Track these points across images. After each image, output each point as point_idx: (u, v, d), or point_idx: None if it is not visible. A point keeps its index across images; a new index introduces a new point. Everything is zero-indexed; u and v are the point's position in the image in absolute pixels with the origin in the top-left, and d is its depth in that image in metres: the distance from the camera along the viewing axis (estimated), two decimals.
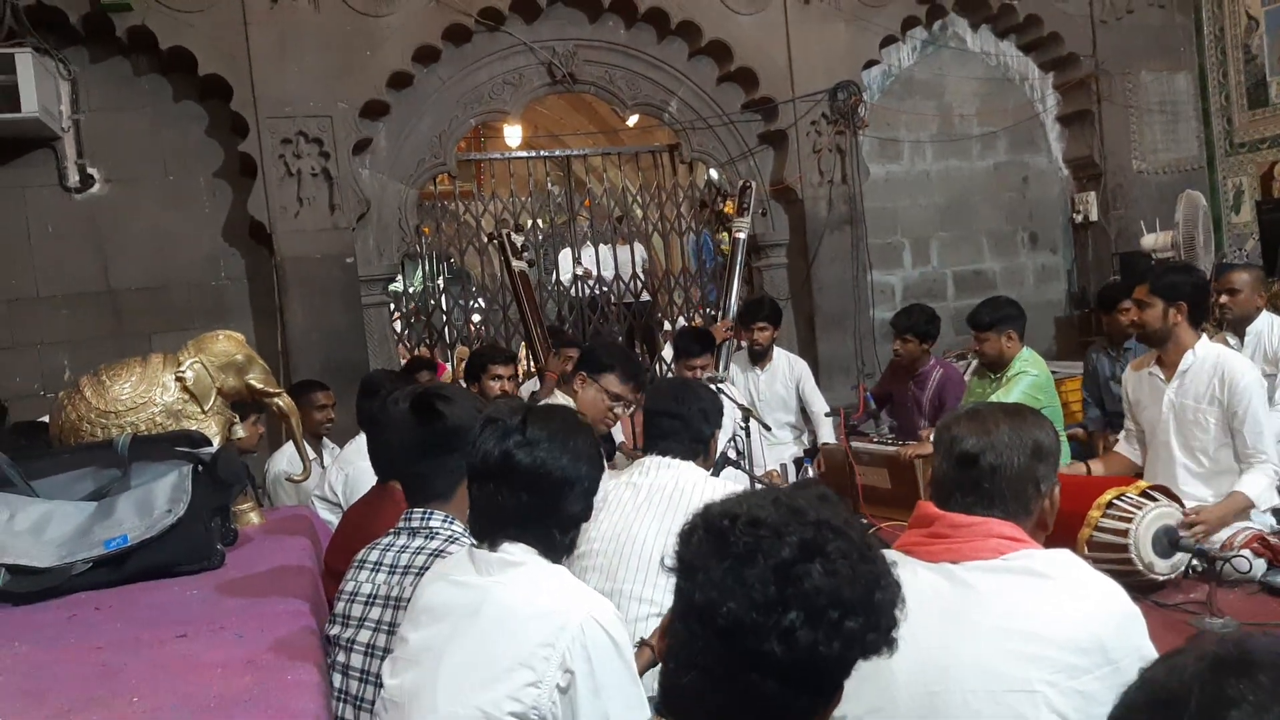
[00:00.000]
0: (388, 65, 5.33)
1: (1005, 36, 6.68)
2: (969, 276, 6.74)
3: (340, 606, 1.94)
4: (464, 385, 4.36)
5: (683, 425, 2.59)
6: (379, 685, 1.74)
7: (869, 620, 1.02)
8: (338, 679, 1.87)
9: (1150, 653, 1.48)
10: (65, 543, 2.05)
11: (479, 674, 1.53)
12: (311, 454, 3.29)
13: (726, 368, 5.01)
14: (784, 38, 5.95)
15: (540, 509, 1.64)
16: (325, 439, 4.41)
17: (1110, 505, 2.44)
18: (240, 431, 2.61)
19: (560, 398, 3.17)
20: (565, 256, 6.75)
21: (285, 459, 4.11)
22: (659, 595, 2.30)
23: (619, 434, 4.69)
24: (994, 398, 3.79)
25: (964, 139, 6.65)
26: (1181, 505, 2.54)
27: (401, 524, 1.96)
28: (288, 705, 1.48)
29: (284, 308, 5.22)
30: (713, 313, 6.13)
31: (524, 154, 6.58)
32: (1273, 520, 2.77)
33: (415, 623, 1.68)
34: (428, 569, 1.81)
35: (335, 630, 1.92)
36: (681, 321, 6.33)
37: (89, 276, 5.16)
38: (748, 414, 3.87)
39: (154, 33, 4.98)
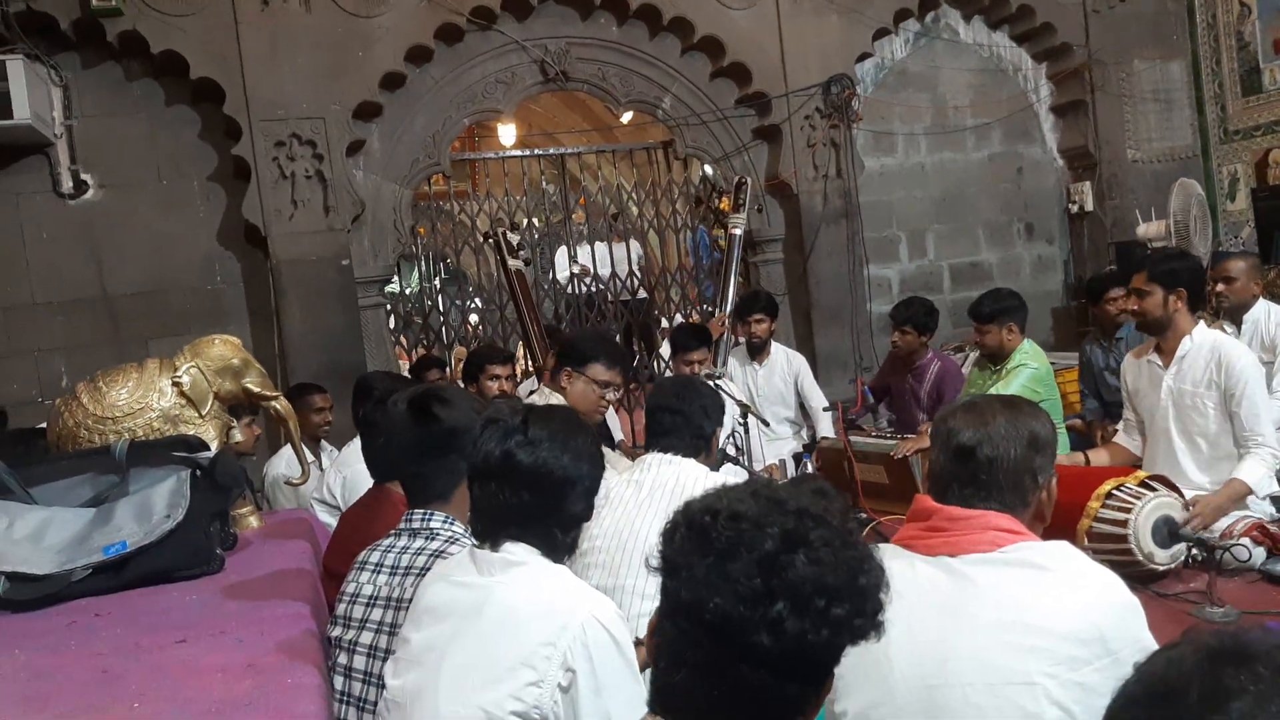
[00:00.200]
0: (380, 66, 5.32)
1: (998, 27, 6.67)
2: (965, 268, 6.75)
3: (341, 608, 1.94)
4: (462, 385, 4.36)
5: (684, 422, 2.60)
6: (381, 686, 1.74)
7: (855, 605, 1.03)
8: (339, 681, 1.87)
9: (1150, 644, 1.48)
10: (64, 549, 2.05)
11: (481, 674, 1.54)
12: (310, 457, 3.29)
13: (724, 363, 5.01)
14: (776, 32, 5.94)
15: (542, 509, 1.64)
16: (323, 441, 4.41)
17: (1109, 496, 2.44)
18: (238, 435, 2.61)
19: (549, 395, 3.17)
20: (561, 255, 6.75)
21: (283, 462, 4.11)
22: None
23: (618, 431, 4.69)
24: (993, 390, 3.79)
25: (958, 131, 6.64)
26: (1181, 494, 2.54)
27: (402, 525, 1.96)
28: (289, 709, 1.48)
29: (280, 311, 5.22)
30: (710, 309, 6.13)
31: (518, 153, 6.58)
32: (1272, 508, 2.77)
33: (417, 623, 1.68)
34: (429, 570, 1.81)
35: (336, 632, 1.92)
36: (679, 318, 6.33)
37: (84, 282, 5.16)
38: (746, 410, 3.87)
39: (145, 37, 4.97)
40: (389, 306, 5.88)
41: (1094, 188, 6.71)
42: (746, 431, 3.88)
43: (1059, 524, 1.76)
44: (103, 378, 2.45)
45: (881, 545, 1.55)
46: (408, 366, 6.17)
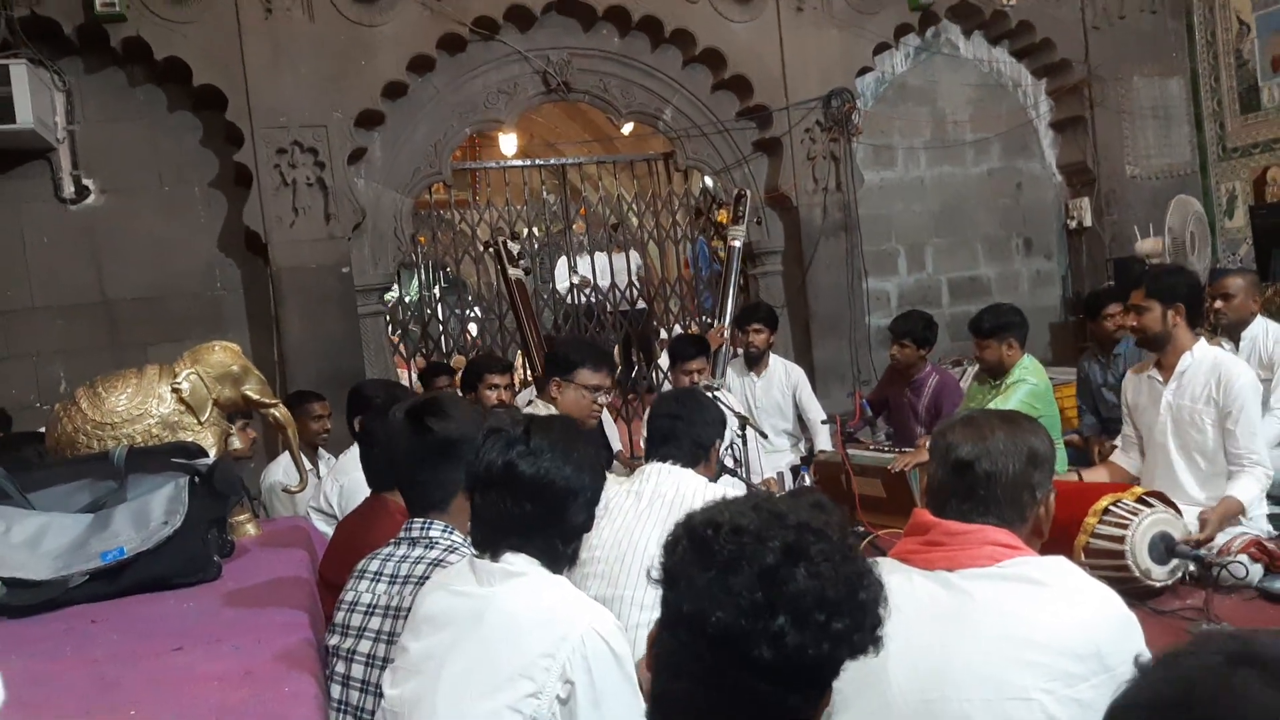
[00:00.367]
0: (382, 75, 5.34)
1: (998, 43, 6.70)
2: (964, 282, 6.76)
3: (340, 616, 1.94)
4: (459, 394, 4.36)
5: (684, 429, 2.62)
6: (379, 695, 1.74)
7: (855, 620, 1.03)
8: (337, 689, 1.87)
9: (1147, 659, 1.48)
10: (61, 555, 2.04)
11: (479, 684, 1.54)
12: (308, 464, 3.29)
13: (723, 374, 5.01)
14: (777, 45, 5.97)
15: (543, 519, 1.64)
16: (321, 449, 4.40)
17: (1106, 512, 2.44)
18: (236, 442, 2.61)
19: (541, 407, 3.17)
20: (562, 265, 6.76)
21: (281, 469, 4.10)
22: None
23: (616, 442, 4.69)
24: (992, 405, 3.79)
25: (958, 145, 6.67)
26: (1178, 510, 2.54)
27: (402, 534, 1.97)
28: (285, 717, 1.48)
29: (280, 318, 5.22)
30: (709, 320, 6.14)
31: (519, 163, 6.60)
32: (1269, 525, 2.77)
33: (416, 632, 1.68)
34: (427, 578, 1.82)
35: (334, 640, 1.92)
36: (678, 329, 6.34)
37: (84, 287, 5.16)
38: (744, 422, 3.87)
39: (148, 43, 4.99)
40: (388, 315, 5.88)
41: (1092, 203, 6.73)
42: (744, 443, 3.88)
43: (1056, 540, 1.76)
44: (102, 383, 2.45)
45: (879, 559, 1.55)
46: (412, 374, 6.19)
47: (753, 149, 6.11)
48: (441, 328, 6.19)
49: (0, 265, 5.06)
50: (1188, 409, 2.95)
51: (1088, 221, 6.74)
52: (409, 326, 6.37)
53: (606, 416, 4.92)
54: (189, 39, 5.03)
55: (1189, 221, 5.99)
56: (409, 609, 1.79)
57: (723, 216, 6.13)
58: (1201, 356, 2.95)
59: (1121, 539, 2.39)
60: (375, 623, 1.87)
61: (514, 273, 5.22)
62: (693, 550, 1.06)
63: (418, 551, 1.91)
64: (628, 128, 6.32)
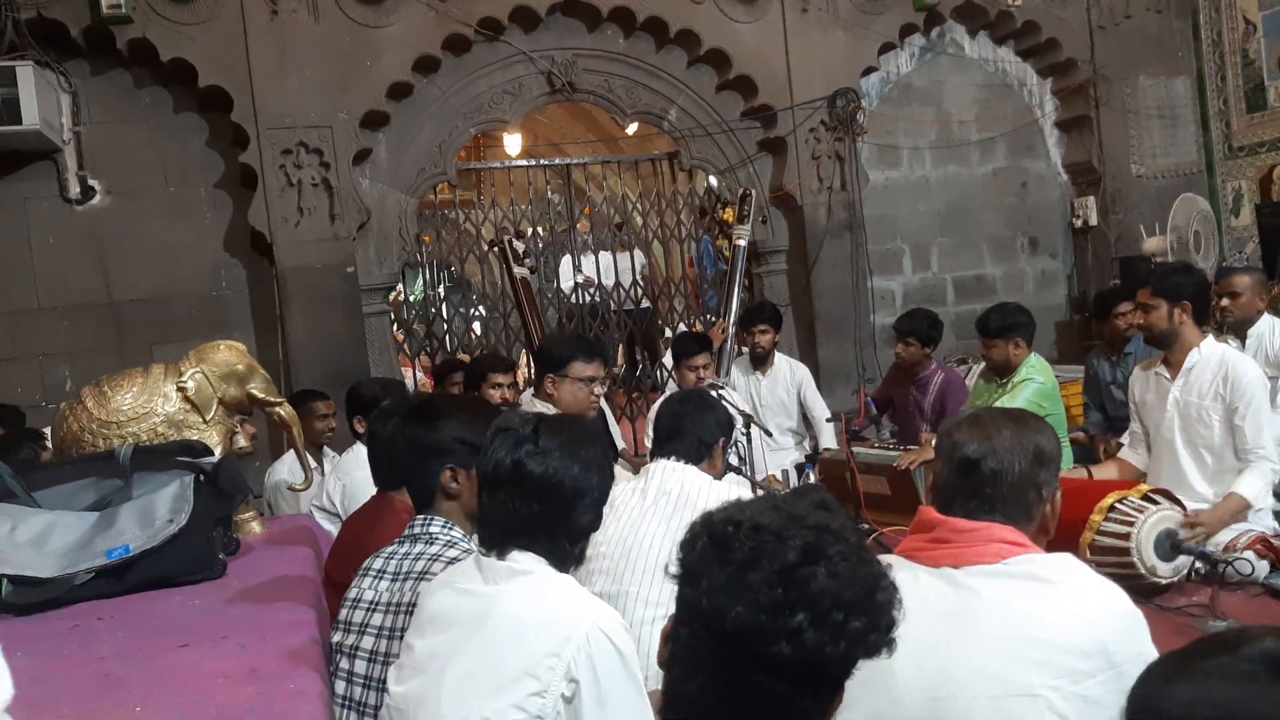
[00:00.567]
0: (387, 76, 5.34)
1: (1003, 43, 6.69)
2: (969, 282, 6.75)
3: (344, 614, 1.95)
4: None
5: (689, 427, 2.62)
6: (381, 690, 1.74)
7: (871, 620, 1.04)
8: (341, 686, 1.88)
9: (1153, 656, 1.47)
10: (67, 553, 2.05)
11: (484, 682, 1.53)
12: (312, 463, 3.29)
13: (727, 373, 5.01)
14: (782, 46, 5.97)
15: (551, 519, 1.63)
16: (326, 448, 4.41)
17: (1111, 509, 2.44)
18: (241, 441, 2.61)
19: (540, 406, 3.17)
20: (566, 264, 6.76)
21: (286, 468, 4.11)
22: (665, 598, 2.31)
23: (620, 440, 4.70)
24: (999, 404, 3.79)
25: (963, 145, 6.66)
26: (1183, 508, 2.54)
27: (406, 532, 1.98)
28: (290, 714, 1.48)
29: (285, 318, 5.23)
30: (713, 319, 6.14)
31: (524, 163, 6.61)
32: (1275, 523, 2.76)
33: (421, 630, 1.68)
34: (427, 573, 1.82)
35: (338, 637, 1.93)
36: (682, 328, 6.34)
37: (90, 288, 5.17)
38: (749, 420, 3.87)
39: (154, 45, 5.00)
40: (393, 314, 5.89)
41: (1098, 203, 6.71)
42: (749, 442, 3.88)
43: (1061, 537, 1.76)
44: (108, 382, 2.46)
45: (885, 556, 1.55)
46: (417, 373, 6.19)
47: (757, 149, 6.11)
48: (446, 327, 6.20)
49: (6, 266, 5.07)
50: (1195, 405, 2.94)
51: (1093, 221, 6.72)
52: (414, 326, 6.38)
53: (610, 415, 4.93)
54: (195, 41, 5.04)
55: (1193, 220, 5.98)
56: (410, 603, 1.79)
57: (728, 215, 6.13)
58: (1209, 353, 2.95)
59: (1127, 536, 2.39)
60: (377, 619, 1.88)
61: (519, 271, 5.22)
62: (713, 547, 1.07)
63: (418, 548, 1.92)
64: (632, 128, 6.32)
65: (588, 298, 6.45)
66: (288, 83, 5.17)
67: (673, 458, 2.58)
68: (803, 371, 5.10)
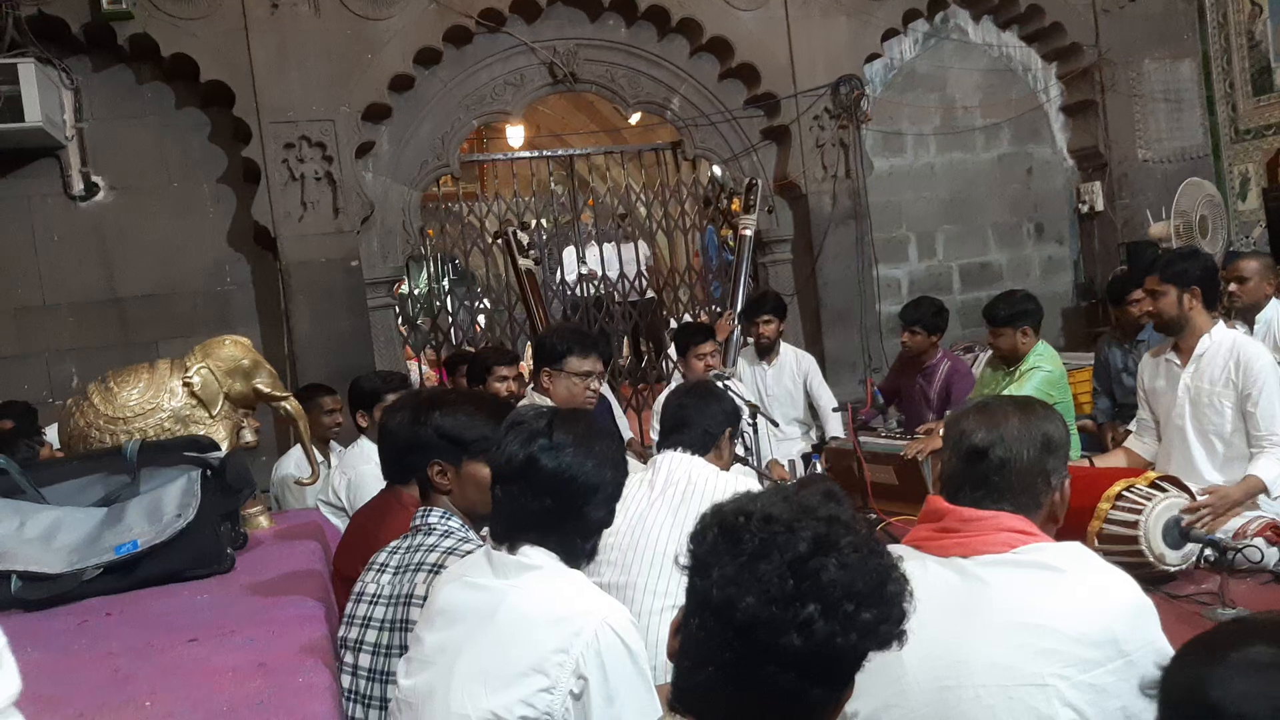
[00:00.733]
0: (389, 68, 5.33)
1: (1007, 27, 6.65)
2: (975, 269, 6.73)
3: (350, 608, 1.96)
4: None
5: (695, 418, 2.62)
6: (386, 684, 1.75)
7: (882, 611, 1.04)
8: (347, 679, 1.88)
9: (1163, 645, 1.47)
10: (76, 549, 2.06)
11: (492, 678, 1.53)
12: (319, 458, 3.30)
13: (734, 363, 5.01)
14: (785, 33, 5.94)
15: (563, 514, 1.63)
16: (333, 443, 4.41)
17: (1119, 497, 2.43)
18: (248, 436, 2.61)
19: (536, 400, 3.17)
20: (570, 256, 6.75)
21: (293, 462, 4.11)
22: (673, 588, 2.31)
23: (627, 431, 4.70)
24: (1007, 392, 3.78)
25: (967, 131, 6.63)
26: (1191, 494, 2.53)
27: (411, 525, 1.99)
28: (299, 708, 1.49)
29: (290, 312, 5.23)
30: (718, 309, 6.13)
31: (527, 154, 6.58)
32: None
33: (431, 623, 1.68)
34: (426, 564, 1.83)
35: (344, 631, 1.94)
36: (687, 318, 6.33)
37: (95, 285, 5.18)
38: (755, 410, 3.87)
39: (156, 41, 4.99)
40: (398, 308, 5.89)
41: (1104, 188, 6.68)
42: (755, 432, 3.87)
43: (1070, 526, 1.75)
44: (114, 378, 2.46)
45: (893, 546, 1.54)
46: (422, 367, 6.19)
47: (761, 137, 6.09)
48: (451, 320, 6.20)
49: (11, 263, 5.08)
50: (1206, 391, 2.92)
51: (1099, 206, 6.69)
52: (418, 320, 6.38)
53: (617, 405, 4.93)
54: (196, 36, 5.03)
55: (1199, 205, 5.94)
56: (409, 595, 1.80)
57: (734, 205, 6.11)
58: (1220, 339, 2.93)
59: (1135, 524, 2.38)
60: (379, 612, 1.89)
61: (524, 263, 5.22)
62: (723, 538, 1.07)
63: (419, 539, 1.93)
64: (635, 118, 6.30)
65: (592, 290, 6.44)
66: (289, 77, 5.16)
67: (679, 449, 2.58)
68: (809, 361, 5.09)
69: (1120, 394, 4.71)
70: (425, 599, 1.80)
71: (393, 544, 1.97)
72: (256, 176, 5.17)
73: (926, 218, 6.60)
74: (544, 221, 6.49)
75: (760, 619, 1.01)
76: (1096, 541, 2.37)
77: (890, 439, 3.78)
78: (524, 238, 5.26)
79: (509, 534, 1.64)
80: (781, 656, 1.01)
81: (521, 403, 3.13)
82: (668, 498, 2.46)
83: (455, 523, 1.94)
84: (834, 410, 4.84)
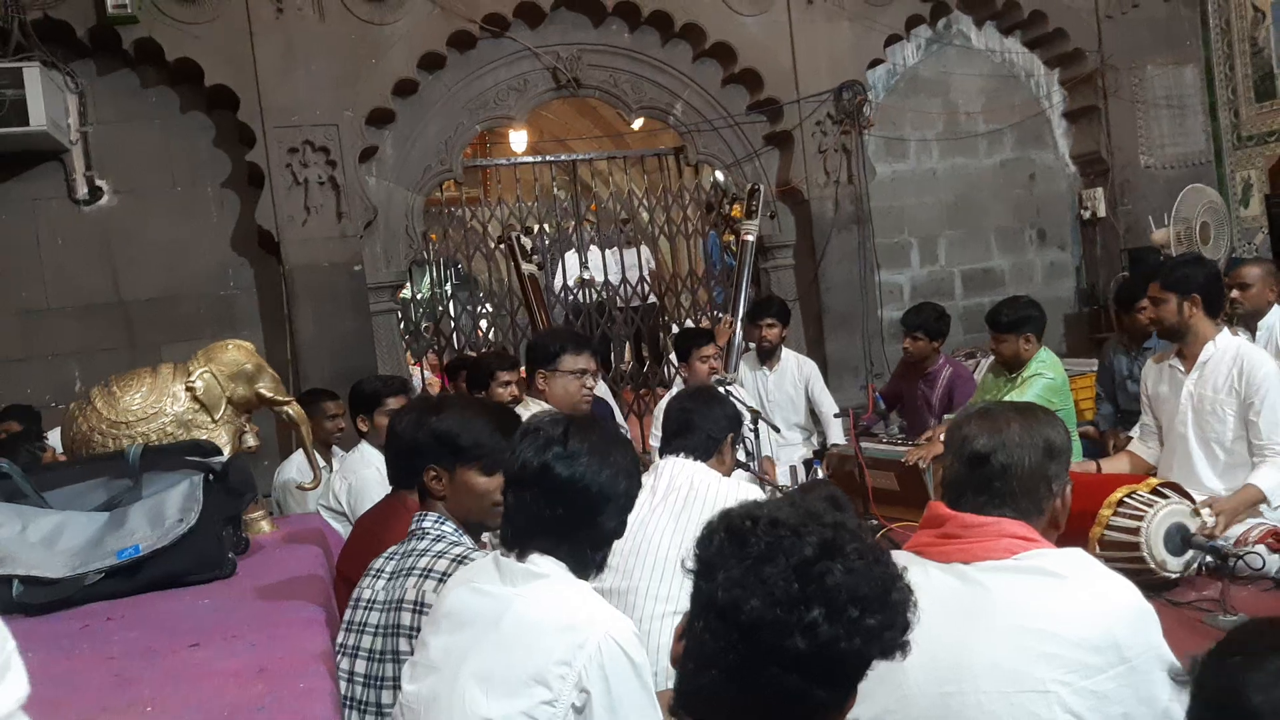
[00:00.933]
0: (393, 73, 5.34)
1: (1010, 33, 6.65)
2: (977, 274, 6.72)
3: (348, 614, 1.96)
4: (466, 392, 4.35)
5: (698, 423, 2.62)
6: (382, 689, 1.75)
7: (886, 618, 1.05)
8: (344, 685, 1.88)
9: (1165, 651, 1.47)
10: (78, 553, 2.06)
11: (494, 685, 1.53)
12: (321, 463, 3.30)
13: (735, 369, 5.01)
14: (788, 38, 5.95)
15: (575, 523, 1.62)
16: (335, 447, 4.41)
17: (1121, 503, 2.42)
18: (250, 440, 2.61)
19: (535, 406, 3.16)
20: (573, 261, 6.76)
21: (295, 467, 4.11)
22: (674, 593, 2.31)
23: (626, 434, 4.69)
24: (1008, 398, 3.77)
25: (970, 136, 6.63)
26: (1192, 500, 2.52)
27: (409, 530, 1.99)
28: (300, 713, 1.49)
29: (293, 316, 5.24)
30: (720, 315, 6.13)
31: (530, 159, 6.60)
32: None
33: (436, 627, 1.67)
34: (416, 569, 1.84)
35: (342, 637, 1.94)
36: (689, 323, 6.33)
37: (99, 288, 5.19)
38: (756, 416, 3.87)
39: (160, 45, 5.01)
40: (401, 312, 5.89)
41: (1106, 193, 6.67)
42: (757, 437, 3.87)
43: (1071, 531, 1.75)
44: (117, 382, 2.47)
45: (894, 552, 1.54)
46: (424, 371, 6.20)
47: (764, 143, 6.09)
48: (454, 324, 6.20)
49: (16, 267, 5.10)
50: (1210, 399, 2.92)
51: (1102, 212, 6.68)
52: (421, 324, 6.39)
53: (618, 412, 4.93)
54: (200, 40, 5.05)
55: (1200, 211, 5.94)
56: (400, 600, 1.81)
57: (736, 211, 6.12)
58: (1225, 346, 2.92)
59: (1136, 530, 2.38)
60: (375, 617, 1.89)
61: (527, 268, 5.23)
62: (730, 541, 1.08)
63: (412, 544, 1.93)
64: (638, 123, 6.32)
65: (595, 295, 6.45)
66: (294, 81, 5.17)
67: (682, 454, 2.58)
68: (810, 367, 5.10)
69: (1124, 400, 4.70)
70: (415, 603, 1.81)
71: (390, 550, 1.98)
72: (260, 180, 5.18)
73: (929, 223, 6.60)
74: (546, 226, 6.49)
75: (765, 621, 1.02)
76: (1098, 547, 2.37)
77: (892, 444, 3.77)
78: (527, 243, 5.26)
79: (519, 541, 1.63)
80: (785, 659, 1.02)
81: (518, 408, 3.13)
82: (669, 503, 2.46)
83: (448, 527, 1.94)
84: (835, 416, 4.84)
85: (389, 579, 1.91)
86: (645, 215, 6.46)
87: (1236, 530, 2.56)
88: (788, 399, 4.97)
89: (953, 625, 1.50)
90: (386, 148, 5.51)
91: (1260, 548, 2.39)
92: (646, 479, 2.59)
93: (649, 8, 5.70)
